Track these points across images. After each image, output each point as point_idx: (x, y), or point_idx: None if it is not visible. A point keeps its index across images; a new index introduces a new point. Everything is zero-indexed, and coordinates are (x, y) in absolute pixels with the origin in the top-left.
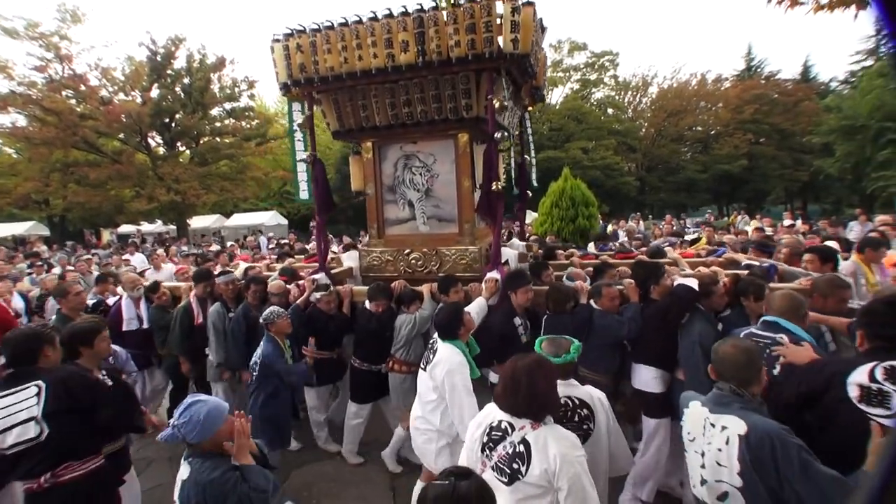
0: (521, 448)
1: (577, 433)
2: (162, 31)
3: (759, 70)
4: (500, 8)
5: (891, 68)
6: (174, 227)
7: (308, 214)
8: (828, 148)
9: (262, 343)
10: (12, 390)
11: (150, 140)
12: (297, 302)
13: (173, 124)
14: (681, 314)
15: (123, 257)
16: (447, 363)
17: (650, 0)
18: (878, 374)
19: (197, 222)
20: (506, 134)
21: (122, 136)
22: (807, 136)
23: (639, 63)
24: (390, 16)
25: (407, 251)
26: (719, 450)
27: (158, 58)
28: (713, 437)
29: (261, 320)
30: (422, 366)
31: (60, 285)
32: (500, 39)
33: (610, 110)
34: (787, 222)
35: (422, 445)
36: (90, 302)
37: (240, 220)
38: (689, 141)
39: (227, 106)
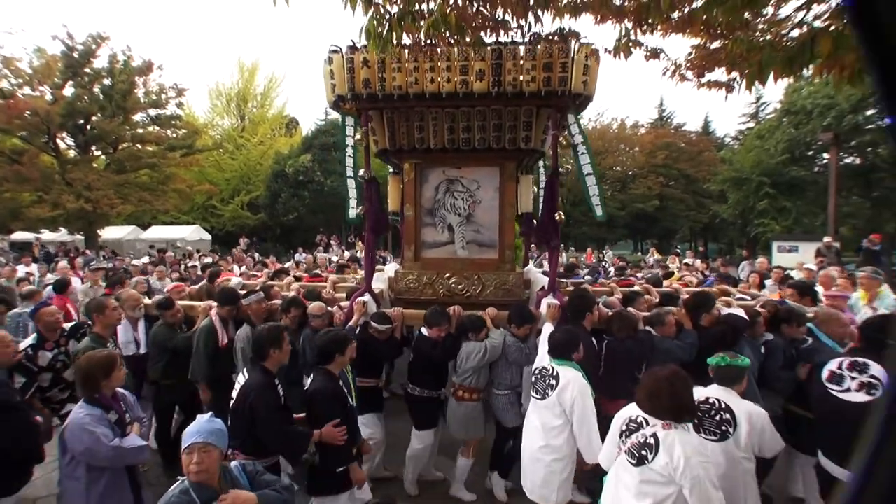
0: (651, 440)
1: (715, 431)
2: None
3: (669, 120)
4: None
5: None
6: (81, 237)
7: (233, 231)
8: (723, 195)
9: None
10: None
11: (59, 141)
12: (350, 324)
13: (88, 127)
14: (735, 340)
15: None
16: (576, 386)
17: None
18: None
19: (109, 233)
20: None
21: (23, 134)
22: (707, 183)
23: None
24: (468, 43)
25: (447, 275)
26: None
27: (76, 54)
28: None
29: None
30: (537, 395)
31: (97, 300)
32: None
33: None
34: (687, 260)
35: (546, 477)
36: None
37: (157, 233)
38: (609, 180)
39: (152, 112)
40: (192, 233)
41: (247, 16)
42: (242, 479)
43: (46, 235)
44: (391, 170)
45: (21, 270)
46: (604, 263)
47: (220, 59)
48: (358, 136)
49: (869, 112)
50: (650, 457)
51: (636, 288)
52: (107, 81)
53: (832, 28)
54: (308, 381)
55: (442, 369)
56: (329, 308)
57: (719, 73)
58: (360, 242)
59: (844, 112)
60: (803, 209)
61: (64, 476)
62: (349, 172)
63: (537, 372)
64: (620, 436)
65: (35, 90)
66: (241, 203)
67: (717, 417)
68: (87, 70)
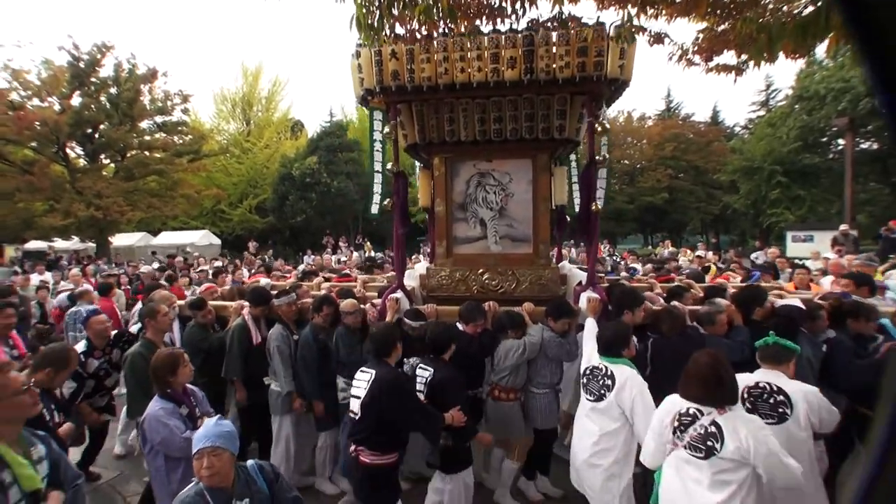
0: (713, 429)
1: (771, 414)
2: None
3: (676, 111)
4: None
5: (887, 122)
6: (93, 245)
7: (242, 235)
8: (734, 185)
9: None
10: None
11: (68, 151)
12: (386, 321)
13: (96, 135)
14: (792, 334)
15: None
16: (634, 384)
17: None
18: None
19: (119, 240)
20: (606, 157)
21: (34, 144)
22: (717, 174)
23: None
24: (498, 31)
25: (480, 271)
26: None
27: (82, 64)
28: None
29: None
30: (591, 396)
31: (149, 305)
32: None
33: None
34: (699, 252)
35: (605, 484)
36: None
37: (167, 238)
38: (617, 173)
39: (159, 119)
40: (201, 237)
41: (248, 20)
42: (259, 479)
43: (59, 244)
44: (418, 165)
45: (35, 279)
46: (613, 258)
47: (224, 64)
48: (386, 130)
49: None
50: (718, 446)
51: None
52: (113, 90)
53: None
54: (427, 373)
55: (479, 367)
56: (361, 305)
57: (728, 57)
58: (367, 243)
59: (860, 96)
60: (818, 197)
61: (148, 464)
62: (377, 167)
63: (588, 372)
64: (674, 432)
65: (44, 101)
66: (249, 207)
67: (771, 401)
68: (94, 79)
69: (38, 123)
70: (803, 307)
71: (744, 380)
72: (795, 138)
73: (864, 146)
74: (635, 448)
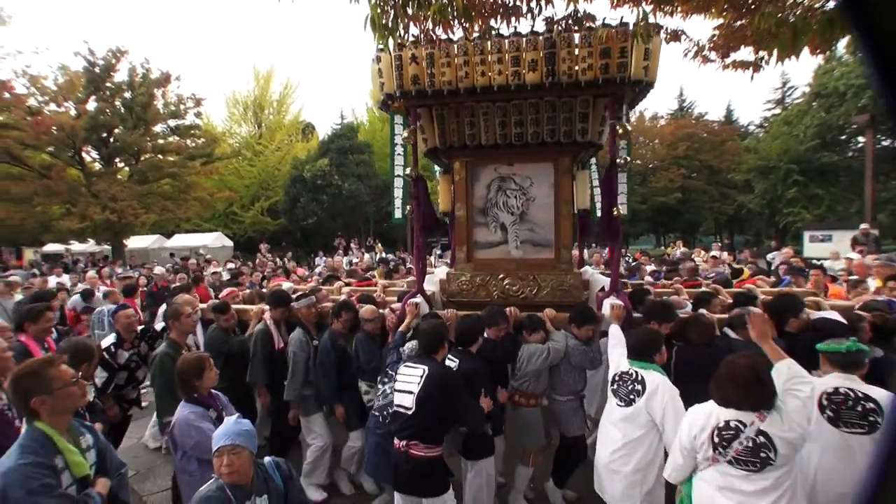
0: (763, 439)
1: (860, 423)
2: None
3: (689, 111)
4: None
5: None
6: (108, 247)
7: (254, 237)
8: (749, 185)
9: None
10: None
11: (84, 155)
12: (401, 328)
13: (111, 139)
14: None
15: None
16: (665, 390)
17: None
18: None
19: (134, 242)
20: (628, 160)
21: (51, 149)
22: (731, 174)
23: None
24: (518, 34)
25: (501, 276)
26: None
27: (97, 69)
28: None
29: None
30: (620, 402)
31: (173, 307)
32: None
33: None
34: (714, 253)
35: (626, 490)
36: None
37: (181, 241)
38: (629, 173)
39: (172, 123)
40: (214, 240)
41: (259, 23)
42: (276, 476)
43: (76, 247)
44: (437, 169)
45: (52, 281)
46: (626, 259)
47: (236, 67)
48: (406, 134)
49: None
50: (773, 455)
51: (704, 289)
52: (127, 94)
53: None
54: (453, 364)
55: (502, 372)
56: (381, 311)
57: (745, 53)
58: (378, 245)
59: None
60: (836, 196)
61: (179, 471)
62: (397, 172)
63: (617, 377)
64: (714, 449)
65: (60, 106)
66: (261, 209)
67: (859, 408)
68: (108, 84)
69: (54, 128)
70: (843, 321)
71: (818, 385)
72: (813, 136)
73: (885, 143)
74: (661, 456)
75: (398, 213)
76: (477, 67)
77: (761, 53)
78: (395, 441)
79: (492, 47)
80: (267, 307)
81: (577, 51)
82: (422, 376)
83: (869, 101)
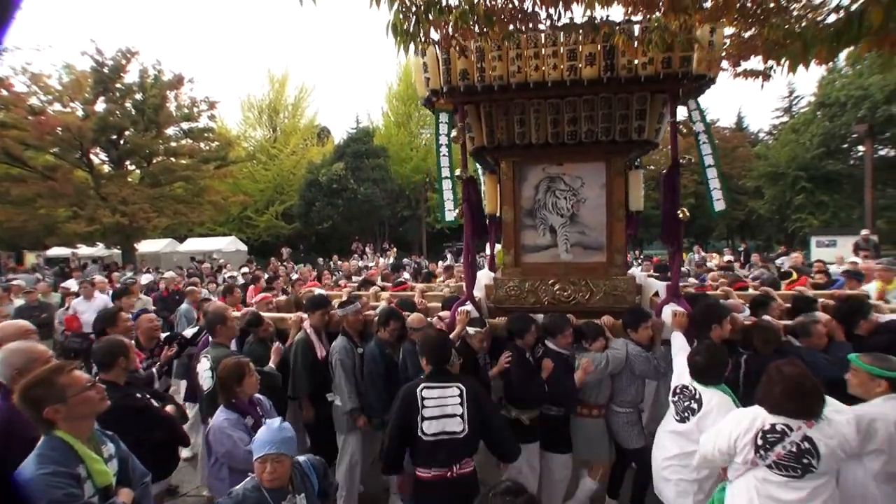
0: (807, 445)
1: None
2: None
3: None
4: None
5: None
6: (117, 251)
7: (269, 241)
8: (759, 191)
9: None
10: None
11: (92, 157)
12: (452, 335)
13: (122, 142)
14: None
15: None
16: (721, 412)
17: None
18: None
19: (146, 246)
20: (691, 160)
21: (56, 150)
22: (742, 180)
23: None
24: (574, 26)
25: (550, 281)
26: None
27: (105, 70)
28: None
29: None
30: (676, 416)
31: (217, 312)
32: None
33: None
34: (728, 258)
35: (675, 498)
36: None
37: (194, 245)
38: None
39: (185, 126)
40: (228, 244)
41: (275, 26)
42: (312, 475)
43: (83, 250)
44: (479, 169)
45: (73, 285)
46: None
47: (251, 70)
48: (454, 134)
49: None
50: (815, 461)
51: (751, 291)
52: (138, 96)
53: None
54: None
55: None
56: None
57: (755, 63)
58: (393, 248)
59: (878, 103)
60: (840, 203)
61: (210, 476)
62: (444, 173)
63: (678, 390)
64: (756, 451)
65: (66, 106)
66: (275, 213)
67: None
68: (118, 85)
69: (59, 129)
70: None
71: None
72: (818, 144)
73: (882, 153)
74: (715, 471)
75: (449, 216)
76: (530, 61)
77: (770, 63)
78: (440, 471)
79: (546, 40)
80: (305, 316)
81: (636, 44)
82: (461, 395)
83: (867, 112)
